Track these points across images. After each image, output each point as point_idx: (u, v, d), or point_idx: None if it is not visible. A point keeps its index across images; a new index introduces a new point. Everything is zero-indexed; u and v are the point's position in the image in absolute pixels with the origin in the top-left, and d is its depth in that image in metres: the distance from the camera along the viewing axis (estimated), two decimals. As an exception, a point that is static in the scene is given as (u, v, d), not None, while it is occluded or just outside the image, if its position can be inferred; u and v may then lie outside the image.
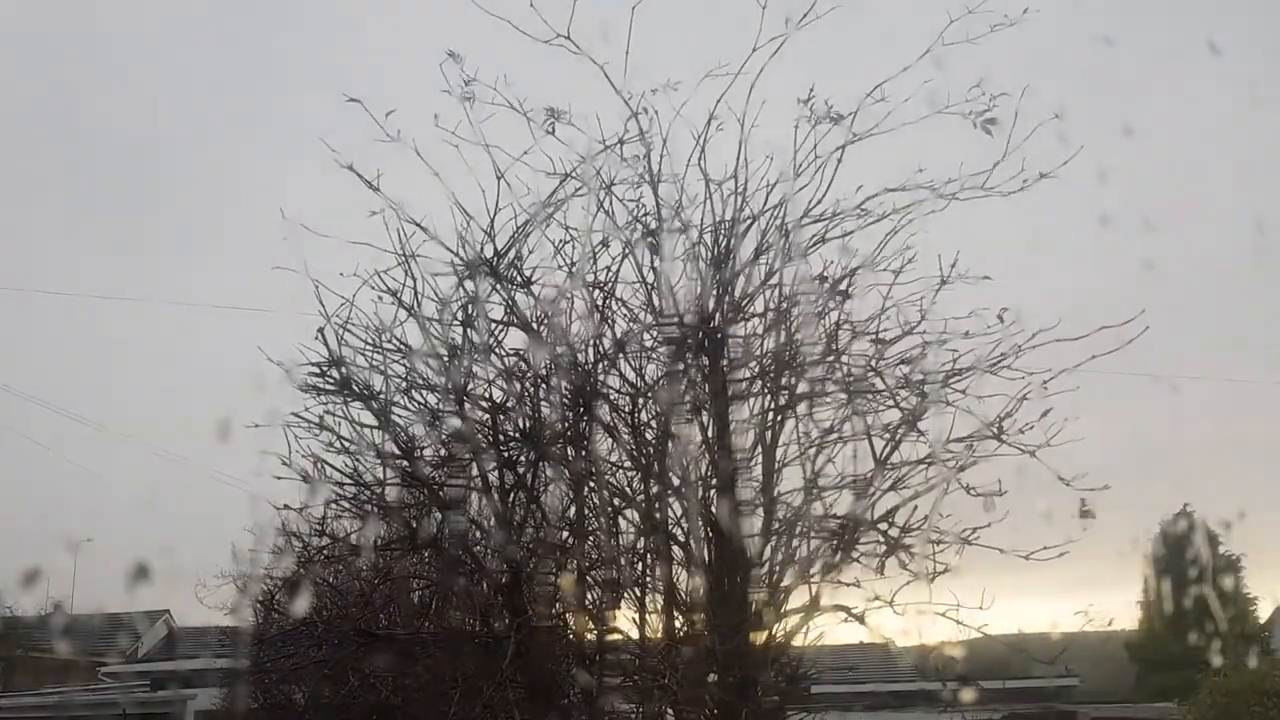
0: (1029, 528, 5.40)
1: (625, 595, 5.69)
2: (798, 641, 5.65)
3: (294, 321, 6.05)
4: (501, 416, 5.71)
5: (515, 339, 5.67)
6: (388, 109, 5.40)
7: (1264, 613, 31.48)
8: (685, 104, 5.49)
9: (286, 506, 6.89)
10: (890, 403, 5.53)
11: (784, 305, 5.68)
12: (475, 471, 5.79)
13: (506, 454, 5.73)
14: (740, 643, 5.25)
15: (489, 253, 5.56)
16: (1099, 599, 5.43)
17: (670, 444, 5.62)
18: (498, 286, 5.62)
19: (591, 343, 5.73)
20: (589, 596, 5.74)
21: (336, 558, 7.34)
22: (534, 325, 5.63)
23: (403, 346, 5.65)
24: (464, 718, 5.27)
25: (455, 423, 5.72)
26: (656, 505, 5.63)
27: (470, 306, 5.61)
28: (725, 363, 5.68)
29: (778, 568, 5.55)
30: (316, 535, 7.19)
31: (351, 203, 5.60)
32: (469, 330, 5.61)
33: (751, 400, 5.73)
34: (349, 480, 5.96)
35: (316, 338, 5.53)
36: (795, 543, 5.59)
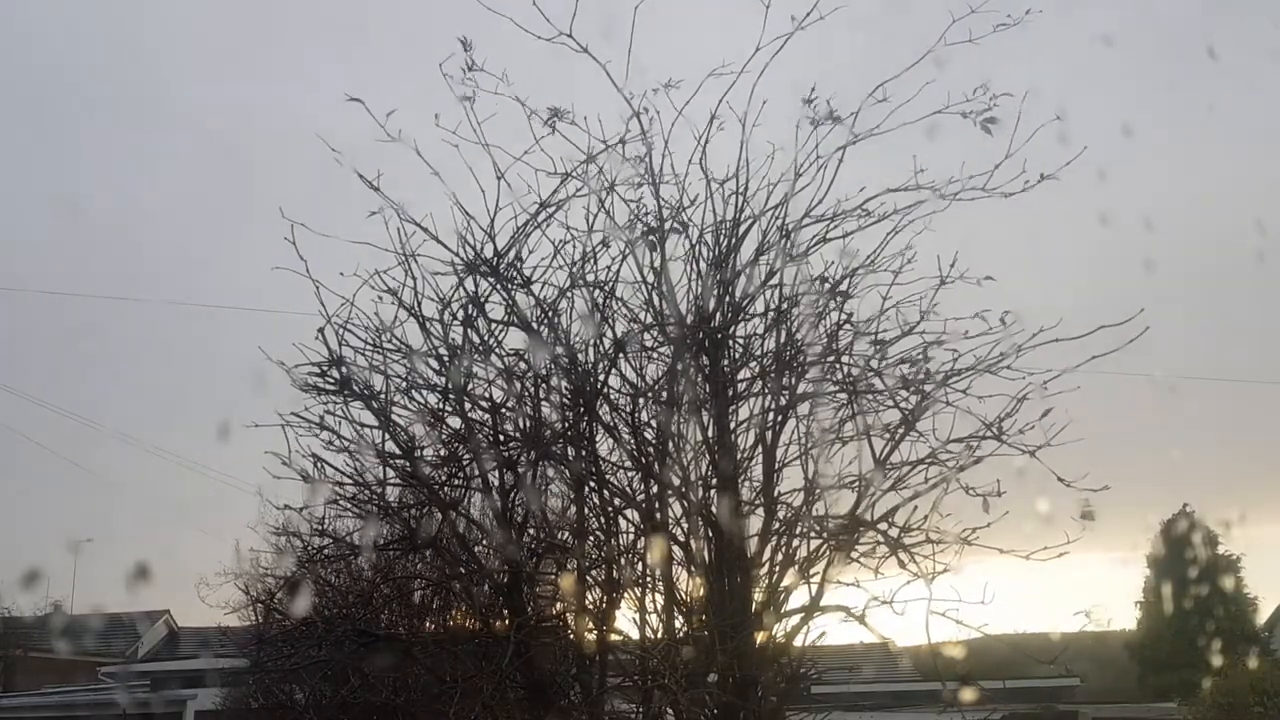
0: (1029, 528, 5.41)
1: (625, 595, 5.69)
2: (798, 641, 5.65)
3: (294, 321, 6.06)
4: (501, 416, 5.71)
5: (515, 339, 5.68)
6: (388, 108, 5.40)
7: (1264, 613, 31.48)
8: (687, 104, 5.49)
9: (287, 506, 6.91)
10: (890, 403, 5.53)
11: (784, 305, 5.68)
12: (475, 471, 5.80)
13: (506, 454, 5.73)
14: (740, 643, 5.25)
15: (489, 252, 5.57)
16: (1099, 599, 5.43)
17: (670, 444, 5.62)
18: (498, 286, 5.62)
19: (591, 343, 5.73)
20: (589, 596, 5.74)
21: (337, 557, 7.35)
22: (534, 325, 5.64)
23: (403, 346, 5.65)
24: (464, 718, 5.27)
25: (455, 423, 5.72)
26: (656, 505, 5.63)
27: (470, 306, 5.61)
28: (725, 363, 5.68)
29: (778, 568, 5.55)
30: (317, 535, 7.21)
31: (352, 202, 5.61)
32: (469, 330, 5.62)
33: (751, 400, 5.74)
34: (349, 480, 5.96)
35: (317, 337, 5.53)
36: (795, 543, 5.60)
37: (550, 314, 5.63)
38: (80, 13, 46.40)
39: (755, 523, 5.62)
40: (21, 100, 43.21)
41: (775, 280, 5.68)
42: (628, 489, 5.75)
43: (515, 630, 5.32)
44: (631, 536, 5.81)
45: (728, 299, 5.67)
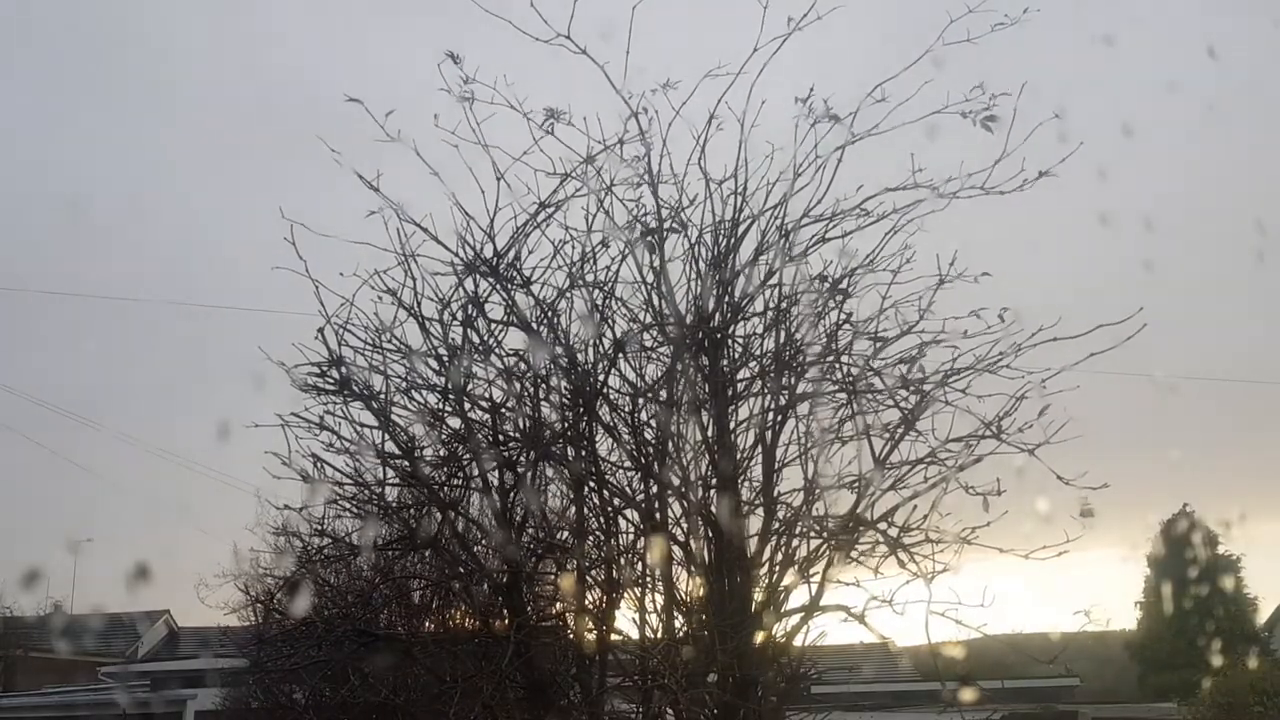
0: (1029, 527, 5.42)
1: (625, 595, 5.69)
2: (798, 641, 5.65)
3: (294, 321, 6.06)
4: (501, 416, 5.71)
5: (515, 339, 5.68)
6: (388, 109, 5.41)
7: (1264, 613, 31.49)
8: (685, 104, 5.49)
9: (287, 506, 6.91)
10: (890, 402, 5.54)
11: (784, 305, 5.68)
12: (475, 471, 5.80)
13: (506, 454, 5.73)
14: (740, 643, 5.26)
15: (489, 253, 5.57)
16: (1098, 598, 5.43)
17: (670, 444, 5.62)
18: (498, 286, 5.62)
19: (591, 343, 5.73)
20: (589, 596, 5.74)
21: (336, 558, 7.36)
22: (534, 325, 5.64)
23: (402, 346, 5.65)
24: (464, 718, 5.28)
25: (455, 423, 5.72)
26: (656, 505, 5.63)
27: (470, 306, 5.61)
28: (725, 363, 5.68)
29: (778, 568, 5.55)
30: (316, 535, 7.21)
31: (351, 202, 5.61)
32: (469, 330, 5.62)
33: (751, 400, 5.74)
34: (349, 480, 5.96)
35: (316, 338, 5.53)
36: (795, 542, 5.60)
37: (550, 314, 5.64)
38: (80, 10, 46.43)
39: (755, 523, 5.63)
40: (20, 98, 43.24)
41: (774, 280, 5.69)
42: (628, 489, 5.75)
43: (515, 630, 5.33)
44: (631, 536, 5.82)
45: (727, 299, 5.67)
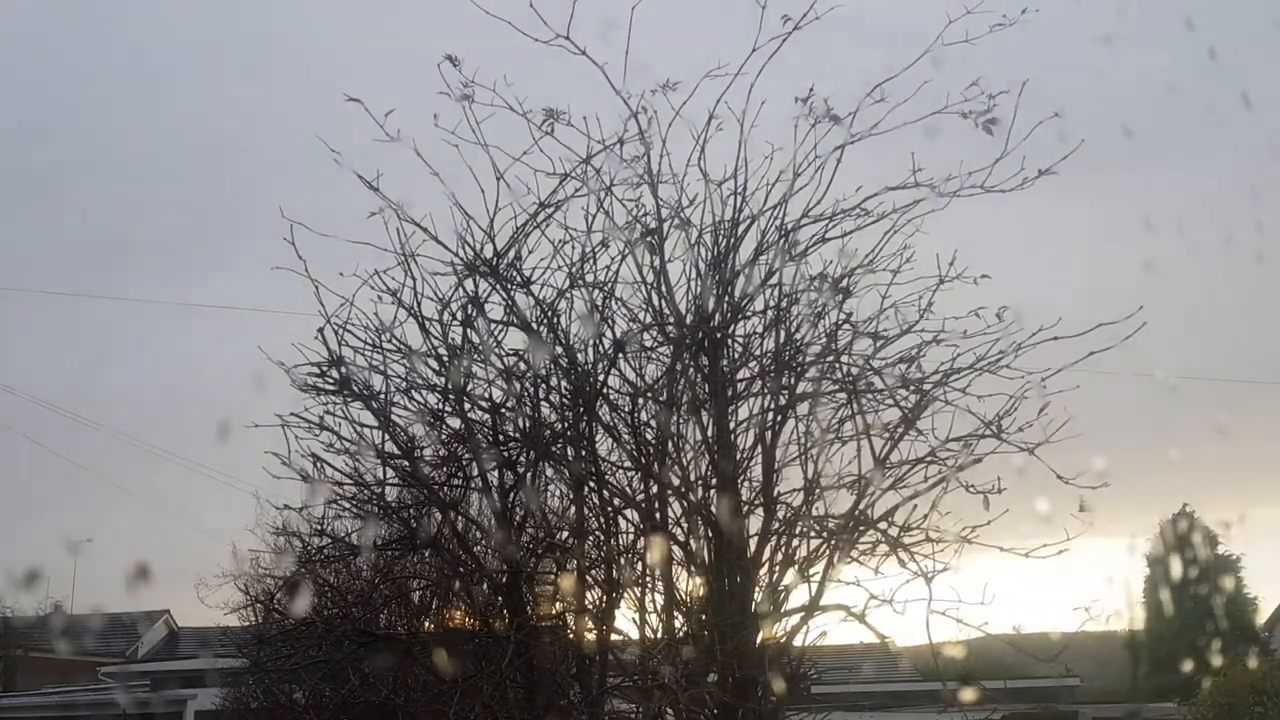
0: (1029, 525, 5.42)
1: (625, 595, 5.69)
2: (798, 641, 5.65)
3: (294, 321, 6.06)
4: (501, 416, 5.72)
5: (515, 339, 5.68)
6: (387, 109, 5.40)
7: (1264, 613, 31.47)
8: (685, 104, 5.49)
9: (287, 507, 6.92)
10: (889, 402, 5.54)
11: (784, 305, 5.68)
12: (475, 471, 5.80)
13: (506, 454, 5.73)
14: (740, 643, 5.26)
15: (489, 253, 5.57)
16: (1099, 598, 5.43)
17: (670, 444, 5.62)
18: (497, 287, 5.63)
19: (591, 343, 5.73)
20: (589, 596, 5.75)
21: (336, 558, 7.36)
22: (534, 325, 5.64)
23: (402, 347, 5.65)
24: (464, 718, 5.28)
25: (455, 423, 5.72)
26: (656, 505, 5.63)
27: (470, 307, 5.61)
28: (725, 363, 5.68)
29: (778, 567, 5.55)
30: (316, 535, 7.21)
31: (351, 203, 5.61)
32: (468, 330, 5.62)
33: (751, 400, 5.74)
34: (349, 480, 5.96)
35: (316, 338, 5.53)
36: (795, 542, 5.60)
37: (550, 314, 5.64)
38: (80, 10, 46.43)
39: (755, 523, 5.63)
40: (19, 96, 43.26)
41: (774, 280, 5.69)
42: (628, 489, 5.75)
43: (515, 630, 5.33)
44: (631, 536, 5.82)
45: (727, 299, 5.67)
